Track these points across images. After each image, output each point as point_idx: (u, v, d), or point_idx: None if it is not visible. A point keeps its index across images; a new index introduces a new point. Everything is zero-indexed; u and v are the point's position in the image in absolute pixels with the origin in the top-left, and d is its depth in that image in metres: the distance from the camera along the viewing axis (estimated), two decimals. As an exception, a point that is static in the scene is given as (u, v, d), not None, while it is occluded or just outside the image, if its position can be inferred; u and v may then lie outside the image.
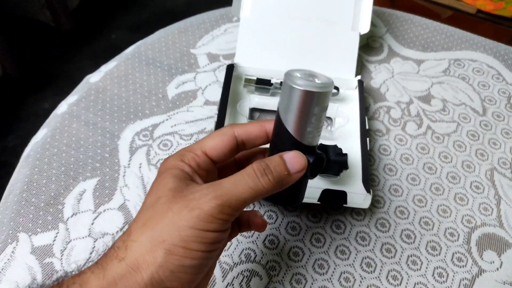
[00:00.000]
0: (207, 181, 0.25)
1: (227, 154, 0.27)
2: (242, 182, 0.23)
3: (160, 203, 0.23)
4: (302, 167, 0.25)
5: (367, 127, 0.45)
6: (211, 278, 0.38)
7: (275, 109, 0.34)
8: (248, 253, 0.40)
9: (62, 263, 0.38)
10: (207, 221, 0.22)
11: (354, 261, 0.39)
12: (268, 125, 0.28)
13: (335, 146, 0.41)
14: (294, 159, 0.25)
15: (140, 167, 0.45)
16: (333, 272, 0.39)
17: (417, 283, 0.38)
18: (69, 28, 1.43)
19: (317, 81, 0.26)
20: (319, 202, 0.39)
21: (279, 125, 0.27)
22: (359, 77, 0.50)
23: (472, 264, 0.40)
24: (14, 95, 1.29)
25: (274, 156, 0.26)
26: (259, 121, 0.28)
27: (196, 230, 0.22)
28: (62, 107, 0.51)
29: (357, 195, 0.40)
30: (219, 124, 0.43)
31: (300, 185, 0.29)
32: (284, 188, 0.26)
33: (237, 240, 0.40)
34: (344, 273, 0.39)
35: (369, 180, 0.41)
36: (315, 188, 0.40)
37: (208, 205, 0.22)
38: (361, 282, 0.38)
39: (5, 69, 1.24)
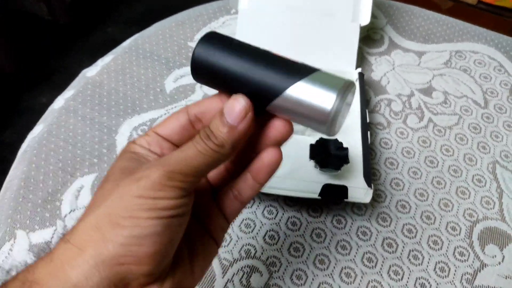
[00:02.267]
0: None
1: (178, 130, 0.25)
2: (191, 148, 0.22)
3: (108, 182, 0.22)
4: (242, 113, 0.21)
5: (367, 121, 0.44)
6: (210, 274, 0.37)
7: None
8: (248, 249, 0.39)
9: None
10: (155, 189, 0.20)
11: (355, 256, 0.39)
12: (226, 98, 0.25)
13: (336, 140, 0.41)
14: (230, 107, 0.21)
15: (138, 162, 0.44)
16: (334, 267, 0.38)
17: (419, 278, 0.38)
18: (65, 22, 1.42)
19: None
20: (319, 197, 0.39)
21: None
22: (359, 69, 0.49)
23: (474, 258, 0.39)
24: (11, 90, 1.28)
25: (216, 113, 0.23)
26: (217, 94, 0.25)
27: (143, 199, 0.20)
28: (59, 102, 0.50)
29: (358, 190, 0.40)
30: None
31: None
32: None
33: (237, 236, 0.40)
34: (345, 268, 0.38)
35: (371, 174, 0.40)
36: (315, 183, 0.40)
37: (156, 174, 0.20)
38: (362, 277, 0.38)
39: (1, 63, 1.23)
